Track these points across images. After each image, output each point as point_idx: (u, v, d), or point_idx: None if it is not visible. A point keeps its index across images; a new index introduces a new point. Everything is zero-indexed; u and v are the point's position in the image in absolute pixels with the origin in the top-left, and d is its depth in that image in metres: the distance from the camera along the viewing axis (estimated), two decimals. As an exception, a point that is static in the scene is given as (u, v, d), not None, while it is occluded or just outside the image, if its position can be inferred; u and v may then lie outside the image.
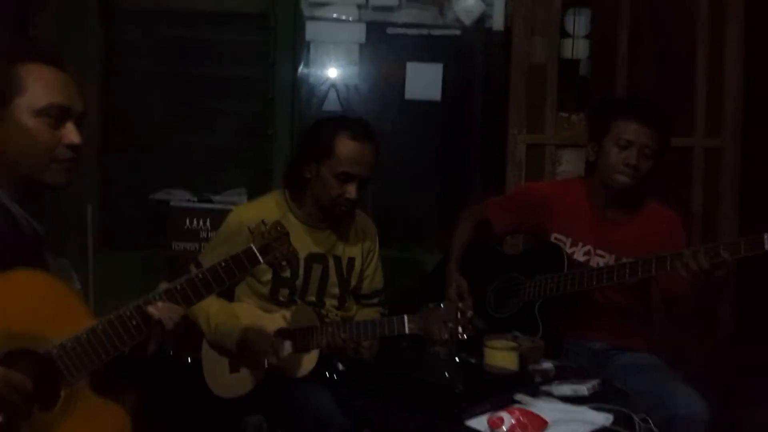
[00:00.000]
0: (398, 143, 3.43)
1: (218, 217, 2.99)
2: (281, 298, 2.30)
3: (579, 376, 1.80)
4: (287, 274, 2.22)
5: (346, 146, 2.21)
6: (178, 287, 1.52)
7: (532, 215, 2.50)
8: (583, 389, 1.65)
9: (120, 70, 3.29)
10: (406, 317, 2.10)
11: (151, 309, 1.44)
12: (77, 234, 3.19)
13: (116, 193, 3.30)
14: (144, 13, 3.30)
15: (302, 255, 2.28)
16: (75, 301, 1.37)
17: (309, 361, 2.14)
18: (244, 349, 2.14)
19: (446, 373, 1.67)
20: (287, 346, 2.14)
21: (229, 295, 2.30)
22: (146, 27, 3.29)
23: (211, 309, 2.19)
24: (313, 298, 2.33)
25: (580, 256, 2.42)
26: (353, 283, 2.39)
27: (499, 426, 1.42)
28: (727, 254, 2.02)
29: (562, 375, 1.83)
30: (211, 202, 3.07)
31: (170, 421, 2.18)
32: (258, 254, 1.70)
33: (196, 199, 3.09)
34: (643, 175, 2.31)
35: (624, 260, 2.34)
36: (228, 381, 2.20)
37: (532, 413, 1.48)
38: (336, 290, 2.36)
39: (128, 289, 3.19)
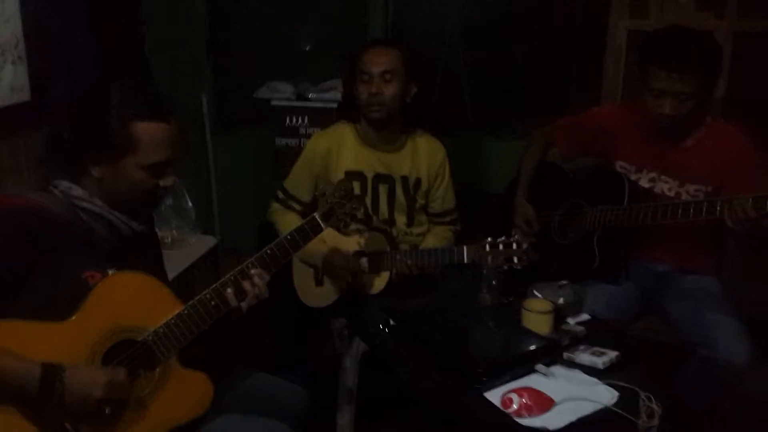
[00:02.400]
0: (492, 29, 3.42)
1: (315, 115, 3.25)
2: (358, 215, 2.57)
3: (606, 337, 1.99)
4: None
5: (362, 55, 2.50)
6: (250, 265, 1.80)
7: (598, 141, 2.54)
8: (599, 363, 1.84)
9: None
10: (465, 248, 2.31)
11: (228, 291, 1.74)
12: (195, 122, 3.55)
13: (226, 84, 3.57)
14: None
15: (369, 175, 2.57)
16: (165, 292, 1.69)
17: (380, 281, 2.46)
18: (327, 267, 2.47)
19: (475, 342, 1.91)
20: (364, 263, 2.45)
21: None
22: None
23: None
24: (385, 216, 2.59)
25: (645, 183, 2.47)
26: (420, 201, 2.62)
27: (509, 406, 1.67)
28: None
29: (594, 334, 2.01)
30: (308, 100, 3.28)
31: (273, 324, 2.61)
32: (321, 222, 1.95)
33: (294, 96, 3.30)
34: (686, 114, 2.27)
35: (687, 186, 2.41)
36: (314, 293, 2.55)
37: (539, 393, 1.70)
38: (404, 208, 2.60)
39: (242, 169, 3.59)
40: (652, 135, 2.43)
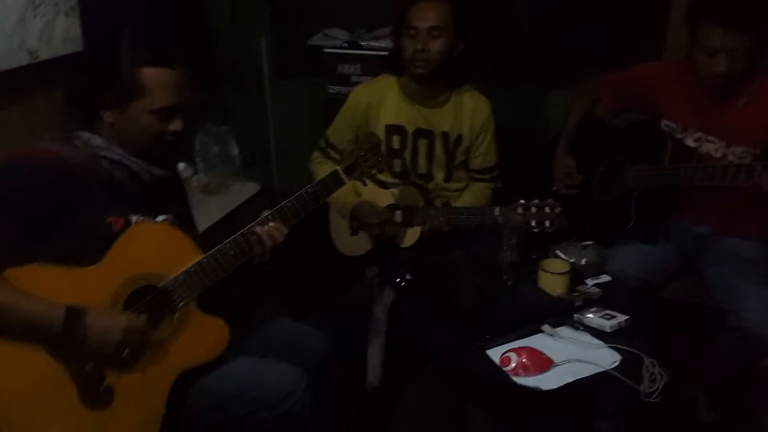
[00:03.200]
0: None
1: (367, 62, 3.24)
2: (396, 169, 2.61)
3: (624, 300, 1.98)
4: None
5: (410, 7, 2.47)
6: (270, 217, 1.88)
7: (645, 98, 2.47)
8: (606, 326, 1.83)
9: None
10: (497, 208, 2.32)
11: (253, 239, 1.83)
12: (254, 68, 3.62)
13: (284, 30, 3.61)
14: None
15: (410, 129, 2.58)
16: (186, 242, 1.78)
17: (412, 235, 2.50)
18: (355, 219, 2.53)
19: (485, 300, 1.94)
20: (398, 216, 2.50)
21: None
22: None
23: None
24: (423, 171, 2.61)
25: (690, 142, 2.40)
26: (460, 158, 2.62)
27: (507, 365, 1.71)
28: None
29: (612, 296, 2.00)
30: (360, 48, 3.28)
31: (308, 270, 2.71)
32: (343, 175, 1.99)
33: (346, 43, 3.31)
34: (741, 71, 2.18)
35: (734, 148, 2.32)
36: (349, 242, 2.62)
37: (539, 353, 1.72)
38: (442, 164, 2.61)
39: (299, 115, 3.65)
40: (700, 94, 2.34)
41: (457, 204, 2.61)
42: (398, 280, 2.06)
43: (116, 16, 2.55)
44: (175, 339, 1.77)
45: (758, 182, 2.09)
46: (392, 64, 2.61)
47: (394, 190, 2.54)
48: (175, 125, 1.79)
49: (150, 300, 1.73)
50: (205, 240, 1.87)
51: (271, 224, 1.86)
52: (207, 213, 2.53)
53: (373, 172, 2.10)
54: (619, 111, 2.59)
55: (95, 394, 1.67)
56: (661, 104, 2.44)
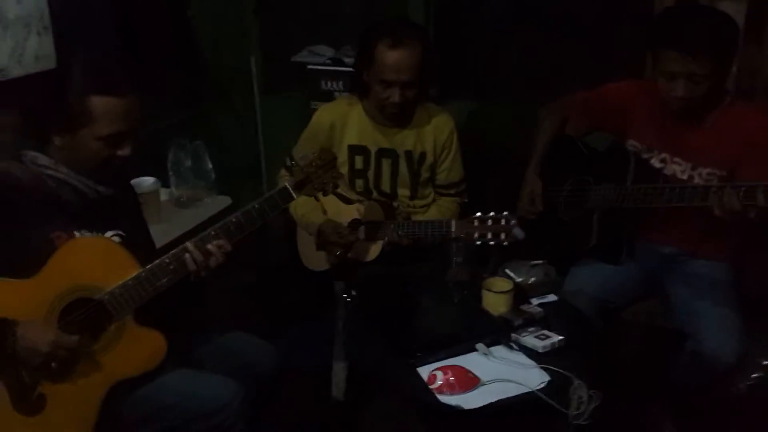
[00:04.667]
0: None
1: (349, 79, 3.27)
2: (358, 189, 2.63)
3: (566, 320, 1.96)
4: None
5: (383, 55, 2.39)
6: (213, 233, 1.90)
7: (612, 117, 2.44)
8: (539, 346, 1.82)
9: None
10: (453, 221, 2.29)
11: (187, 257, 1.85)
12: (244, 84, 3.68)
13: (272, 47, 3.66)
14: None
15: (373, 150, 2.58)
16: (125, 256, 1.82)
17: (375, 249, 2.51)
18: (320, 238, 2.54)
19: (421, 317, 1.94)
20: (361, 232, 2.51)
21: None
22: None
23: (298, 200, 2.54)
24: (387, 190, 2.62)
25: (656, 163, 2.37)
26: (425, 175, 2.62)
27: (433, 383, 1.71)
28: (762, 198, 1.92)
29: (553, 315, 1.98)
30: (343, 65, 3.32)
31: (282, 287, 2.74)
32: (292, 191, 2.00)
33: (329, 60, 3.35)
34: (703, 95, 2.14)
35: (700, 170, 2.29)
36: (316, 256, 2.64)
37: (466, 372, 1.71)
38: (407, 182, 2.61)
39: (288, 130, 3.70)
40: (666, 115, 2.31)
41: (420, 218, 2.60)
42: (345, 296, 2.07)
43: (92, 32, 2.63)
44: (110, 350, 1.81)
45: (714, 205, 2.04)
46: (356, 88, 2.60)
47: (359, 206, 2.55)
48: (124, 151, 1.83)
49: (85, 312, 1.77)
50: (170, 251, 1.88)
51: (213, 241, 1.88)
52: (177, 224, 2.59)
53: (328, 188, 2.11)
54: (588, 130, 2.57)
55: (28, 401, 1.72)
56: (628, 124, 2.41)
